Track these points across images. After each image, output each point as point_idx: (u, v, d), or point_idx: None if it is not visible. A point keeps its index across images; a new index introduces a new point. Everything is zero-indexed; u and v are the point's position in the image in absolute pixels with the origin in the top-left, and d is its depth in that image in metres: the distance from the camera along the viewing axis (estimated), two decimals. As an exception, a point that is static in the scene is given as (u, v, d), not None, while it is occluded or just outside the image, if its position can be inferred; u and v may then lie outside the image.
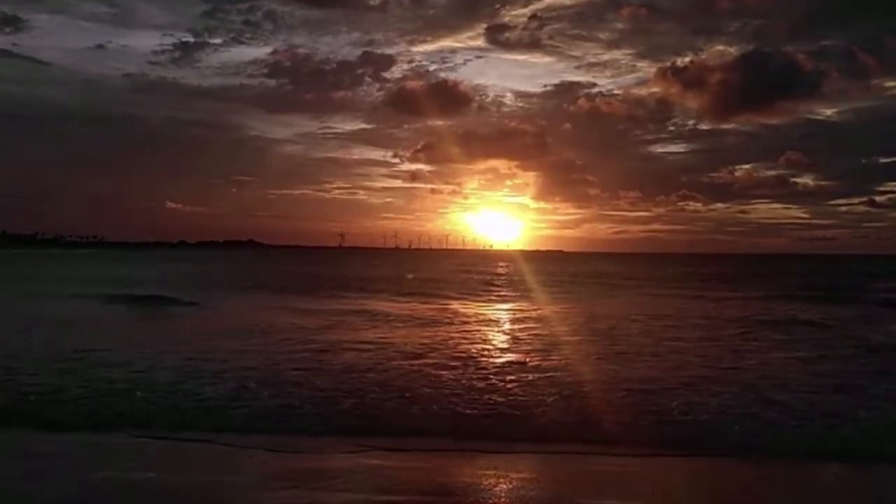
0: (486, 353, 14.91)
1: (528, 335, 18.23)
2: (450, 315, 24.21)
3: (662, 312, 24.82)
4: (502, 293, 38.02)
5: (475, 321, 22.15)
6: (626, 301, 32.30)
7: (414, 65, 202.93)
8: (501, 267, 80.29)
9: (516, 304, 30.34)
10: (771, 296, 36.10)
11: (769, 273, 71.46)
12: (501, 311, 26.71)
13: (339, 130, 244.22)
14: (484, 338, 17.79)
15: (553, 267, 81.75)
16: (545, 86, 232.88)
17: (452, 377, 11.71)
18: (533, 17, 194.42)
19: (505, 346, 16.46)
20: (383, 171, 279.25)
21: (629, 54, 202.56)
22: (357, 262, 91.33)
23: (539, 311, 25.85)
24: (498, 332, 19.75)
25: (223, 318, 21.63)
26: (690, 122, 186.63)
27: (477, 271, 67.39)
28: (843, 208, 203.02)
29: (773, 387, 11.14)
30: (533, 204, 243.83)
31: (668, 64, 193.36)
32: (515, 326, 20.88)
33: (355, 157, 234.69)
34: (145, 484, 6.64)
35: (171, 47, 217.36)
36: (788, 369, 13.06)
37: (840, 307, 29.56)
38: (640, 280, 53.77)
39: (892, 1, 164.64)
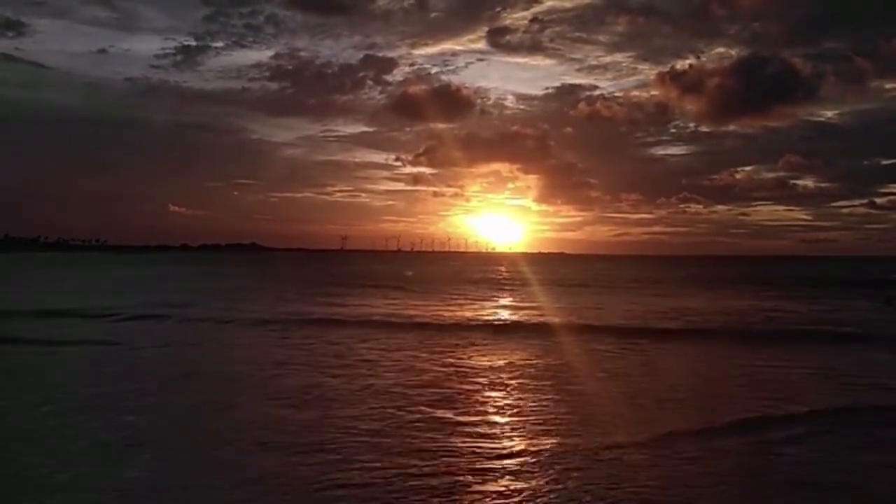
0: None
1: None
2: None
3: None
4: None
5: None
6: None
7: (415, 68, 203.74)
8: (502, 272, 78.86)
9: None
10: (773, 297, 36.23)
11: (772, 275, 71.37)
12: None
13: (341, 133, 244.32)
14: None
15: (558, 271, 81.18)
16: (546, 88, 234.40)
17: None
18: (534, 20, 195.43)
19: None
20: (385, 174, 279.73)
21: (630, 57, 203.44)
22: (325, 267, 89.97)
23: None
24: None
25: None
26: (691, 125, 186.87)
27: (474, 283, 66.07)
28: (845, 210, 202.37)
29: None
30: (534, 206, 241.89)
31: (668, 67, 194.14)
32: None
33: (357, 160, 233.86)
34: None
35: (172, 51, 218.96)
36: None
37: (841, 310, 29.63)
38: (634, 284, 53.56)
39: (887, 5, 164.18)
